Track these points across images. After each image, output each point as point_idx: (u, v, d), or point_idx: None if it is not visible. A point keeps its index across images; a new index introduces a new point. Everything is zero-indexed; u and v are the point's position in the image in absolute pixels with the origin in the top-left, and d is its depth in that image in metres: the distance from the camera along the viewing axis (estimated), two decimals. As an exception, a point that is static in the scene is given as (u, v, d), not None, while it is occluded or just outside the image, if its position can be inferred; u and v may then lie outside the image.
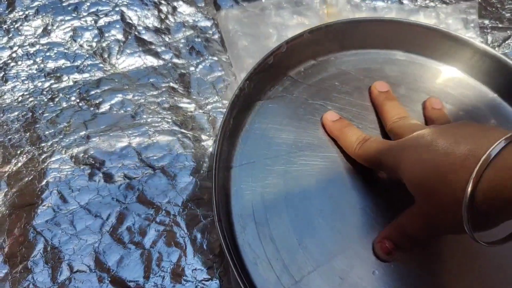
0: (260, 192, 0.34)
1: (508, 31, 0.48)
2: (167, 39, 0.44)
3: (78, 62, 0.43)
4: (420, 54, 0.43)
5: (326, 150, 0.37)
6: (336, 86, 0.40)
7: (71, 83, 0.42)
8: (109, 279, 0.32)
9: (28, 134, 0.38)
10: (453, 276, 0.33)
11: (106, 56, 0.44)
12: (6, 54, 0.42)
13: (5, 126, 0.39)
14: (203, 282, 0.33)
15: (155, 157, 0.38)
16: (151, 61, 0.43)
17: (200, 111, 0.41)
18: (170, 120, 0.39)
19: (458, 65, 0.43)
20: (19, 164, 0.37)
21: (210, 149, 0.39)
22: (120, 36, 0.44)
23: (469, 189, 0.25)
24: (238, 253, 0.32)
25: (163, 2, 0.46)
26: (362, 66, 0.42)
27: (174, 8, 0.46)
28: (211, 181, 0.32)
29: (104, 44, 0.44)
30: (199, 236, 0.35)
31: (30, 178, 0.36)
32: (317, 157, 0.37)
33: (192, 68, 0.43)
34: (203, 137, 0.39)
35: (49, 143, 0.38)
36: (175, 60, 0.43)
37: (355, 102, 0.40)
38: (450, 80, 0.42)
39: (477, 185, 0.25)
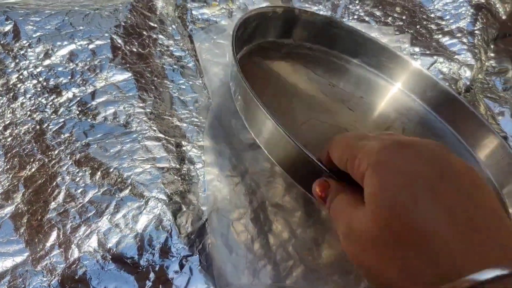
0: None
1: (434, 56, 0.57)
2: (149, 63, 0.52)
3: (74, 78, 0.51)
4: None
5: None
6: None
7: (70, 96, 0.49)
8: (110, 257, 0.41)
9: (38, 144, 0.46)
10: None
11: (98, 71, 0.51)
12: (14, 76, 0.50)
13: (18, 138, 0.46)
14: (185, 257, 0.41)
15: (143, 158, 0.46)
16: (136, 78, 0.51)
17: (181, 123, 0.49)
18: (155, 129, 0.47)
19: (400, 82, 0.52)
20: (33, 170, 0.45)
21: (190, 153, 0.47)
22: (109, 55, 0.52)
23: None
24: None
25: (144, 33, 0.54)
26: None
27: (155, 40, 0.54)
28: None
29: (96, 62, 0.52)
30: (182, 221, 0.43)
31: (42, 181, 0.44)
32: None
33: (171, 89, 0.51)
34: (184, 143, 0.48)
35: (56, 152, 0.46)
36: (158, 80, 0.51)
37: None
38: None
39: None
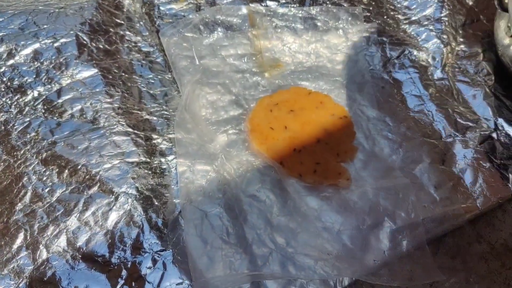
0: None
1: (402, 46, 0.56)
2: (117, 59, 0.50)
3: (40, 77, 0.48)
4: None
5: None
6: None
7: (35, 95, 0.47)
8: (80, 256, 0.38)
9: (2, 145, 0.44)
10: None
11: (64, 68, 0.49)
12: (-24, 77, 0.48)
13: (-18, 139, 0.44)
14: (158, 252, 0.39)
15: (112, 154, 0.44)
16: (103, 74, 0.49)
17: (151, 116, 0.47)
18: (124, 123, 0.46)
19: None
20: (-3, 171, 0.42)
21: (161, 146, 0.45)
22: (75, 52, 0.50)
23: None
24: None
25: (111, 30, 0.52)
26: None
27: (122, 36, 0.53)
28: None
29: (61, 59, 0.50)
30: (153, 216, 0.41)
31: (8, 182, 0.42)
32: None
33: (140, 83, 0.49)
34: (154, 136, 0.46)
35: (21, 152, 0.43)
36: (126, 75, 0.49)
37: None
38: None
39: None
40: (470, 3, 0.61)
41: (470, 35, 0.59)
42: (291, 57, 0.53)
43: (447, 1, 0.60)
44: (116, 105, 0.47)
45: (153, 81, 0.50)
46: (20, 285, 0.37)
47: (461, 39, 0.58)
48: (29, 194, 0.41)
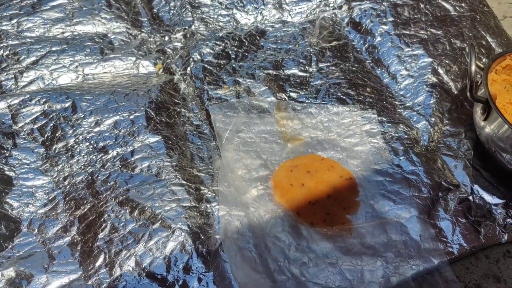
0: None
1: (400, 124, 0.68)
2: (175, 129, 0.64)
3: (118, 141, 0.62)
4: None
5: None
6: None
7: (114, 154, 0.60)
8: (144, 274, 0.49)
9: (89, 190, 0.56)
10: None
11: (136, 135, 0.62)
12: (72, 140, 0.61)
13: (74, 186, 0.57)
14: (203, 273, 0.50)
15: (170, 199, 0.56)
16: (165, 140, 0.62)
17: (199, 173, 0.59)
18: (180, 177, 0.58)
19: None
20: (85, 209, 0.54)
21: (207, 195, 0.57)
22: (144, 123, 0.64)
23: None
24: None
25: (171, 107, 0.66)
26: None
27: (179, 112, 0.66)
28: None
29: (134, 128, 0.63)
30: (200, 246, 0.52)
31: (93, 217, 0.54)
32: None
33: (191, 148, 0.62)
34: (202, 187, 0.58)
35: (103, 195, 0.56)
36: (181, 142, 0.63)
37: None
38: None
39: None
40: (455, 92, 0.73)
41: (454, 118, 0.70)
42: (308, 132, 0.65)
43: (435, 91, 0.72)
44: (174, 163, 0.59)
45: (201, 147, 0.63)
46: (100, 293, 0.48)
47: (447, 121, 0.70)
48: (108, 227, 0.53)
